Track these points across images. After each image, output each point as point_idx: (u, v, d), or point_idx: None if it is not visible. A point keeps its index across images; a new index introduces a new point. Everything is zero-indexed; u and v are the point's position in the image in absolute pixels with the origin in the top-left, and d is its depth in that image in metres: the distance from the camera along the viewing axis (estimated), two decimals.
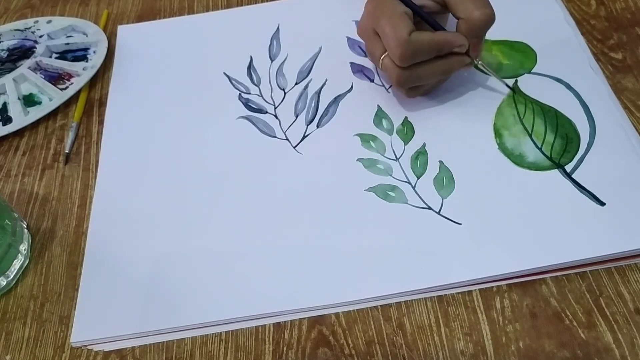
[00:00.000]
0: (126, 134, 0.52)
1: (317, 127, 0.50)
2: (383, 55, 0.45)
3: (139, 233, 0.45)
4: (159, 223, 0.45)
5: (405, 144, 0.47)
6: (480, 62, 0.46)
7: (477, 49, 0.46)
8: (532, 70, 0.50)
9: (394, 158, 0.46)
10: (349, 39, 0.56)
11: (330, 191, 0.45)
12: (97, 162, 0.50)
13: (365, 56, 0.54)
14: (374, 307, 0.40)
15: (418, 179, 0.45)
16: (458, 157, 0.45)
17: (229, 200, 0.46)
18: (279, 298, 0.40)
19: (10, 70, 0.58)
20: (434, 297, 0.40)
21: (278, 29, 0.58)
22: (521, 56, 0.51)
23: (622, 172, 0.43)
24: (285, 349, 0.39)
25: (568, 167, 0.44)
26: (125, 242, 0.45)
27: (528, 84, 0.49)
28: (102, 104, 0.55)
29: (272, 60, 0.55)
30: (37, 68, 0.58)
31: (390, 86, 0.51)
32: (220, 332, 0.40)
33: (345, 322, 0.40)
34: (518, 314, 0.38)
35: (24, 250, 0.45)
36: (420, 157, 0.46)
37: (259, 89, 0.53)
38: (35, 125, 0.54)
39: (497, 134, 0.46)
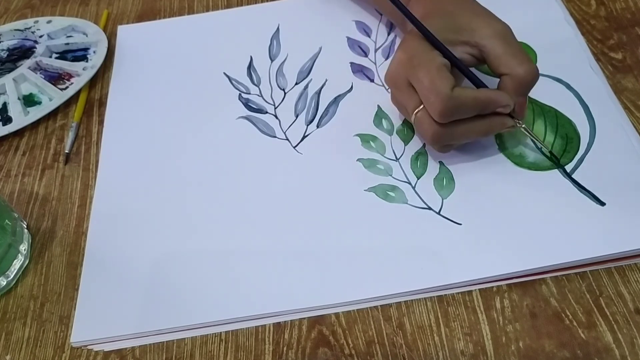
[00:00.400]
0: (126, 134, 0.52)
1: (317, 127, 0.50)
2: (418, 109, 0.41)
3: (139, 233, 0.45)
4: (159, 223, 0.45)
5: (405, 144, 0.47)
6: (524, 126, 0.43)
7: (522, 110, 0.42)
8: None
9: (394, 158, 0.46)
10: (349, 39, 0.56)
11: (330, 191, 0.45)
12: (97, 162, 0.50)
13: (366, 56, 0.54)
14: (374, 307, 0.40)
15: (418, 179, 0.45)
16: (458, 157, 0.45)
17: (229, 200, 0.46)
18: (279, 298, 0.40)
19: (10, 70, 0.58)
20: (434, 297, 0.40)
21: (278, 29, 0.58)
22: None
23: (622, 172, 0.43)
24: (285, 349, 0.39)
25: (568, 167, 0.44)
26: (125, 242, 0.45)
27: None
28: (102, 104, 0.55)
29: (272, 60, 0.55)
30: (37, 68, 0.58)
31: None
32: (220, 332, 0.40)
33: (345, 322, 0.40)
34: (518, 314, 0.38)
35: (24, 250, 0.45)
36: (420, 158, 0.46)
37: (259, 89, 0.53)
38: (35, 125, 0.54)
39: (497, 134, 0.46)
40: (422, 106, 0.41)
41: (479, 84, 0.42)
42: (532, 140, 0.45)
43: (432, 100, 0.39)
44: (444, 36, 0.41)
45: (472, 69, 0.43)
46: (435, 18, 0.42)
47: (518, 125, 0.42)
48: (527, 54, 0.41)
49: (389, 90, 0.47)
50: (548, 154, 0.44)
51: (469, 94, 0.40)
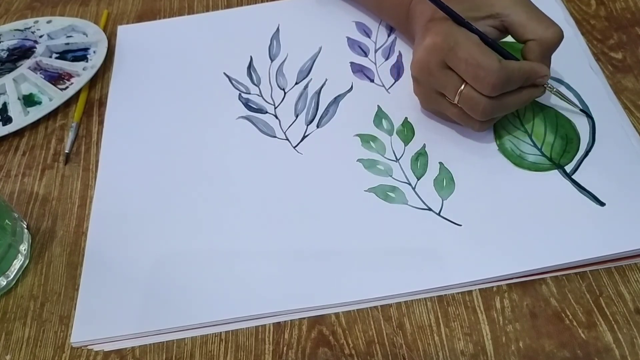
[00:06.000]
0: (126, 134, 0.52)
1: (317, 127, 0.50)
2: (461, 88, 0.42)
3: (139, 233, 0.45)
4: (159, 223, 0.45)
5: (405, 145, 0.47)
6: (555, 89, 0.44)
7: (549, 73, 0.43)
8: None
9: (394, 159, 0.46)
10: (349, 39, 0.56)
11: (330, 191, 0.45)
12: (97, 162, 0.50)
13: (366, 56, 0.54)
14: (374, 307, 0.40)
15: (418, 179, 0.45)
16: (458, 158, 0.45)
17: (228, 200, 0.46)
18: (279, 298, 0.40)
19: (10, 70, 0.58)
20: (434, 297, 0.40)
21: (278, 29, 0.58)
22: (521, 56, 0.51)
23: (622, 172, 0.43)
24: (285, 349, 0.39)
25: (568, 168, 0.44)
26: (125, 242, 0.45)
27: None
28: (102, 104, 0.55)
29: (272, 60, 0.55)
30: (37, 68, 0.58)
31: (391, 86, 0.51)
32: (220, 332, 0.40)
33: (345, 322, 0.40)
34: (518, 314, 0.38)
35: (24, 250, 0.45)
36: (420, 158, 0.46)
37: (259, 89, 0.53)
38: (35, 125, 0.54)
39: (497, 134, 0.46)
40: (463, 84, 0.41)
41: (510, 58, 0.43)
42: (563, 99, 0.45)
43: (483, 75, 0.40)
44: (465, 15, 0.42)
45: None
46: (452, 2, 0.43)
47: (549, 89, 0.44)
48: (548, 17, 0.43)
49: (414, 80, 0.46)
50: (580, 111, 0.46)
51: (515, 65, 0.41)
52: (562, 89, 0.47)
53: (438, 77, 0.43)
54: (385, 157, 0.47)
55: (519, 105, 0.44)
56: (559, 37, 0.42)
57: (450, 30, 0.42)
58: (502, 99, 0.42)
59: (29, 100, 0.56)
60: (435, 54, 0.42)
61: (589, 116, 0.46)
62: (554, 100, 0.47)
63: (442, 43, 0.41)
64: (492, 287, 0.40)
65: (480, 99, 0.41)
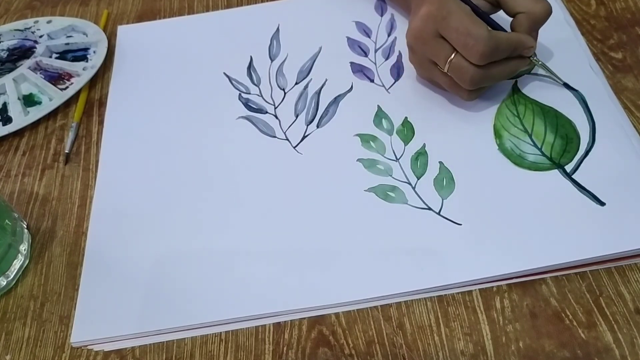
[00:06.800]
0: (126, 134, 0.52)
1: (317, 127, 0.50)
2: (451, 57, 0.44)
3: (139, 233, 0.45)
4: (159, 223, 0.45)
5: (405, 145, 0.47)
6: (540, 62, 0.47)
7: (535, 45, 0.46)
8: (532, 71, 0.50)
9: (394, 158, 0.46)
10: (349, 39, 0.56)
11: (330, 191, 0.45)
12: (97, 162, 0.50)
13: (366, 56, 0.54)
14: (374, 307, 0.40)
15: (418, 179, 0.45)
16: (458, 158, 0.45)
17: (228, 200, 0.46)
18: (279, 298, 0.40)
19: (10, 70, 0.58)
20: (434, 297, 0.40)
21: (278, 29, 0.58)
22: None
23: (622, 172, 0.43)
24: (285, 349, 0.39)
25: (568, 167, 0.44)
26: (125, 242, 0.45)
27: (528, 84, 0.49)
28: (102, 104, 0.55)
29: (272, 60, 0.55)
30: (37, 68, 0.58)
31: (391, 86, 0.51)
32: (220, 332, 0.40)
33: (345, 322, 0.40)
34: (518, 314, 0.38)
35: (24, 250, 0.45)
36: (420, 158, 0.46)
37: (259, 89, 0.53)
38: (35, 125, 0.54)
39: (497, 134, 0.46)
40: (454, 54, 0.43)
41: (498, 29, 0.45)
42: (547, 74, 0.48)
43: (472, 43, 0.42)
44: None
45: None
46: None
47: (535, 61, 0.46)
48: None
49: (409, 49, 0.48)
50: (562, 85, 0.48)
51: (503, 35, 0.44)
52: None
53: (431, 46, 0.45)
54: (385, 157, 0.47)
55: (505, 76, 0.46)
56: (547, 11, 0.45)
57: (445, 0, 0.44)
58: (489, 68, 0.44)
59: (29, 100, 0.56)
60: (430, 22, 0.44)
61: (574, 89, 0.47)
62: (554, 100, 0.47)
63: (436, 12, 0.44)
64: (492, 287, 0.40)
65: (469, 68, 0.43)
